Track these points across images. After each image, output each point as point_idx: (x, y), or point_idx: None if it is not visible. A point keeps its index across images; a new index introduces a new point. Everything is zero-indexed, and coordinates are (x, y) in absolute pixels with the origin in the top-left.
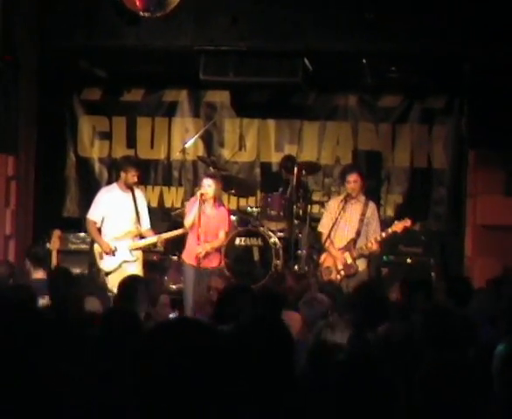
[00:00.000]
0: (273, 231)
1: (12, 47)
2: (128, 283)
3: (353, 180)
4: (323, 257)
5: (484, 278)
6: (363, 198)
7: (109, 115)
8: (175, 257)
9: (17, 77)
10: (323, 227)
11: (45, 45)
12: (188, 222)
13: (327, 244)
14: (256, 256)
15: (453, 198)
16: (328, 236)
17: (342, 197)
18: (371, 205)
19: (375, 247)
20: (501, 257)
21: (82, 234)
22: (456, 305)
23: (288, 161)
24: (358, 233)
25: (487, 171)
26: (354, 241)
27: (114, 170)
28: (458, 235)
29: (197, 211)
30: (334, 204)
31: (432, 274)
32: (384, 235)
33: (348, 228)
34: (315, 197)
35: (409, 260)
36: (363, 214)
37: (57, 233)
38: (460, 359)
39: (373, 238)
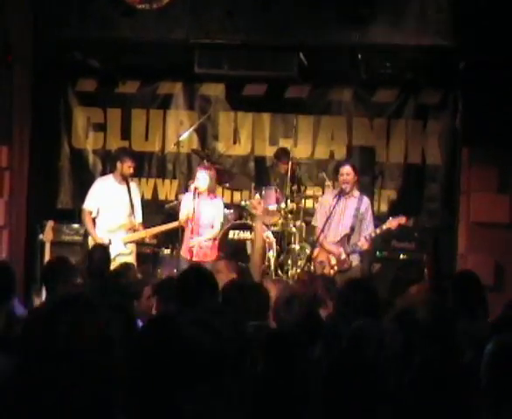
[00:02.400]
0: (266, 225)
1: (6, 38)
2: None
3: (346, 172)
4: (316, 251)
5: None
6: (357, 193)
7: (104, 107)
8: (168, 250)
9: (11, 67)
10: (317, 221)
11: (40, 36)
12: (182, 216)
13: (320, 239)
14: (249, 249)
15: (446, 195)
16: (322, 230)
17: (336, 192)
18: (365, 201)
19: (366, 246)
20: (493, 254)
21: (76, 225)
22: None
23: (282, 154)
24: (352, 228)
25: (481, 168)
26: (348, 236)
27: (109, 162)
28: (451, 231)
29: (191, 205)
30: (327, 199)
31: (425, 270)
32: (378, 231)
33: (341, 223)
34: (309, 192)
35: (402, 256)
36: (357, 209)
37: (50, 224)
38: (450, 357)
39: (367, 235)
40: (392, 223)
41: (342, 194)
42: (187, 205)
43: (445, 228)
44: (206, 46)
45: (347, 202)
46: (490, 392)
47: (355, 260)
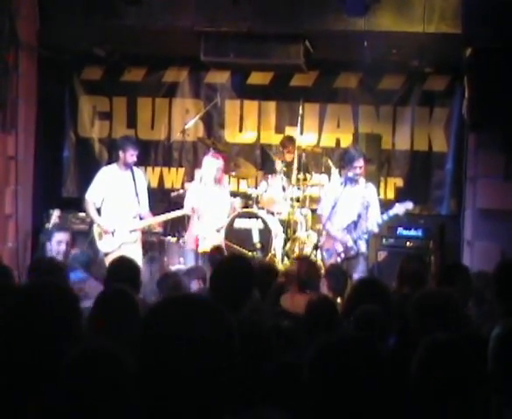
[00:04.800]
0: (272, 213)
1: (12, 27)
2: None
3: (359, 165)
4: (323, 239)
5: (483, 262)
6: (362, 181)
7: (110, 95)
8: (174, 239)
9: (16, 56)
10: (323, 209)
11: (45, 24)
12: (189, 205)
13: (327, 227)
14: (255, 238)
15: (452, 181)
16: (328, 218)
17: (342, 180)
18: (371, 188)
19: (376, 230)
20: (499, 241)
21: (81, 214)
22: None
23: (288, 142)
24: (359, 215)
25: (487, 155)
26: (354, 223)
27: (114, 150)
28: (457, 218)
29: (197, 194)
30: (334, 186)
31: (432, 258)
32: (385, 217)
33: (348, 210)
34: (315, 179)
35: (408, 243)
36: (363, 196)
37: (56, 213)
38: (454, 340)
39: (374, 221)
40: (400, 208)
41: (348, 182)
42: (193, 194)
43: (451, 215)
44: (212, 34)
45: (353, 189)
46: (498, 375)
47: (361, 247)
